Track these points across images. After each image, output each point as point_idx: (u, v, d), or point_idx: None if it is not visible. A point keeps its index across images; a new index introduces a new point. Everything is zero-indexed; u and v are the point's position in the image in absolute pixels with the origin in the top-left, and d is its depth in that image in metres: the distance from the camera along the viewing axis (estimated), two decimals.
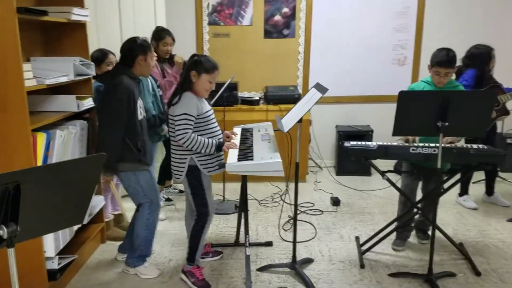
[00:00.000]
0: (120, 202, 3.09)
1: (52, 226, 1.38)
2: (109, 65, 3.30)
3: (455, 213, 4.05)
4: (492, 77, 3.97)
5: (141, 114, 2.84)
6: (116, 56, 3.19)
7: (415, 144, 2.91)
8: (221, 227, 3.77)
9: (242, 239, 3.36)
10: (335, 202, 4.26)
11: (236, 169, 2.54)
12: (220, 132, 2.85)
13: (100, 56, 3.30)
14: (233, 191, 4.57)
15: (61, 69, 2.70)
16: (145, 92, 3.32)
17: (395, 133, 2.62)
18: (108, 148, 2.67)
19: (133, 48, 2.76)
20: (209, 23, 5.19)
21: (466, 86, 3.71)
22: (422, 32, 5.21)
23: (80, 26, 3.05)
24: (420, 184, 3.32)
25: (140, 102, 2.82)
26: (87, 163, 1.30)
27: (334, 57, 5.28)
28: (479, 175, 4.62)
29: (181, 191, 4.53)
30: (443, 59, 2.94)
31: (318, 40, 5.24)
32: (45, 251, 2.58)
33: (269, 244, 3.43)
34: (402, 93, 2.52)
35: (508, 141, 5.18)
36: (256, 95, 5.26)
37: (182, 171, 2.74)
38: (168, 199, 4.33)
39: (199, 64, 2.68)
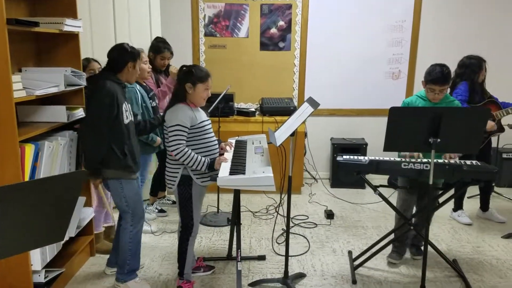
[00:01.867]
0: (107, 205, 3.05)
1: (31, 244, 1.35)
2: (91, 72, 3.28)
3: (450, 228, 4.01)
4: (486, 91, 3.98)
5: (127, 118, 2.81)
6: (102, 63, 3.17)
7: (407, 160, 2.89)
8: (214, 240, 3.73)
9: (234, 253, 3.32)
10: (329, 215, 4.23)
11: (228, 183, 2.51)
12: (216, 143, 2.84)
13: (84, 63, 3.27)
14: (228, 202, 4.54)
15: (51, 79, 2.68)
16: (133, 103, 3.27)
17: (386, 148, 2.60)
18: (90, 152, 2.70)
19: (123, 55, 2.77)
20: (206, 34, 5.20)
21: (462, 101, 3.70)
22: (417, 46, 5.23)
23: (73, 37, 3.03)
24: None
25: (126, 106, 2.80)
26: (66, 180, 1.28)
27: (329, 70, 5.29)
28: (474, 190, 4.60)
29: (174, 202, 4.49)
30: (438, 76, 2.93)
31: (314, 53, 5.25)
32: (31, 264, 2.54)
33: (262, 258, 3.40)
34: (393, 109, 2.51)
35: (504, 156, 5.16)
36: (252, 107, 5.25)
37: (175, 181, 2.73)
38: (161, 211, 4.29)
39: (192, 75, 2.69)
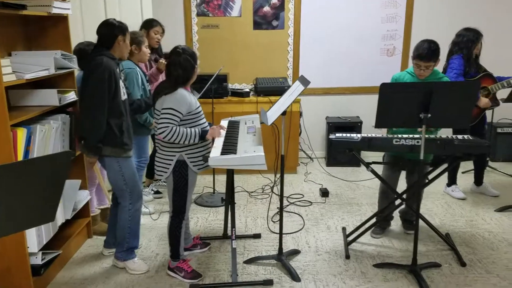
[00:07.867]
0: (103, 185, 3.05)
1: (21, 224, 1.37)
2: None
3: (443, 203, 4.05)
4: (481, 66, 3.97)
5: (124, 94, 2.81)
6: None
7: (398, 136, 2.91)
8: (210, 220, 3.77)
9: (230, 231, 3.36)
10: (324, 193, 4.27)
11: (219, 162, 2.52)
12: (208, 127, 2.83)
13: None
14: (223, 183, 4.57)
15: (41, 63, 2.67)
16: (134, 85, 3.29)
17: (378, 125, 2.61)
18: (89, 129, 2.67)
19: (112, 30, 2.75)
20: (198, 14, 5.14)
21: (457, 75, 3.70)
22: (412, 22, 5.19)
23: (62, 19, 3.01)
24: (403, 174, 3.32)
25: (121, 83, 2.80)
26: (54, 160, 1.29)
27: (323, 48, 5.26)
28: (468, 165, 4.63)
29: None
30: (424, 52, 2.92)
31: (308, 32, 5.21)
32: (28, 247, 2.57)
33: (257, 236, 3.44)
34: (383, 85, 2.51)
35: (499, 130, 5.18)
36: (246, 87, 5.24)
37: (168, 168, 2.71)
38: (157, 192, 4.32)
39: (195, 57, 2.72)
